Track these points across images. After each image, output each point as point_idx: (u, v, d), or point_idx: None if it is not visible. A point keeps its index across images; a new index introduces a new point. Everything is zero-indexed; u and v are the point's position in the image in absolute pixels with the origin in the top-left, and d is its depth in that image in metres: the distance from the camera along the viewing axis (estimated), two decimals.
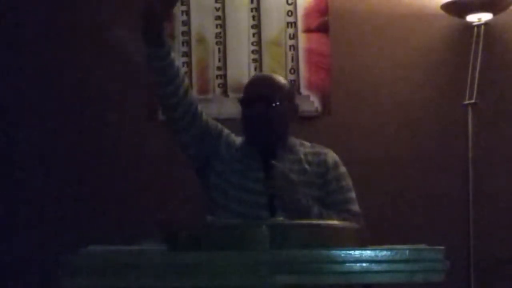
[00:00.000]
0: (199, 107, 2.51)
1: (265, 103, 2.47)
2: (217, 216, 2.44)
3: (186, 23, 3.58)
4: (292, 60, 3.54)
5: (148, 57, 2.37)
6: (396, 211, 3.42)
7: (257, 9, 3.58)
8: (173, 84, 2.39)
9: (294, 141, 2.59)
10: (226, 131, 2.58)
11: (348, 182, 2.55)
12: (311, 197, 2.44)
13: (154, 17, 2.26)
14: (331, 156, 2.57)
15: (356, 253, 1.60)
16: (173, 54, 2.39)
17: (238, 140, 2.58)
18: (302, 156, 2.54)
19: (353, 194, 2.54)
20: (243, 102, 2.53)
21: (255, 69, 3.54)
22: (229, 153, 2.53)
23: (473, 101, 3.32)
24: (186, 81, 2.48)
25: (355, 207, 2.52)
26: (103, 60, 3.57)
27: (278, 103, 2.48)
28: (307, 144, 2.61)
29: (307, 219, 2.33)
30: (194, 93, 3.53)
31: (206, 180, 2.55)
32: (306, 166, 2.51)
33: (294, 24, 3.56)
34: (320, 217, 2.38)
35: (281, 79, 2.60)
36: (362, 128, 3.50)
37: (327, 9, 3.55)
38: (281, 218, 1.88)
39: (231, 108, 3.43)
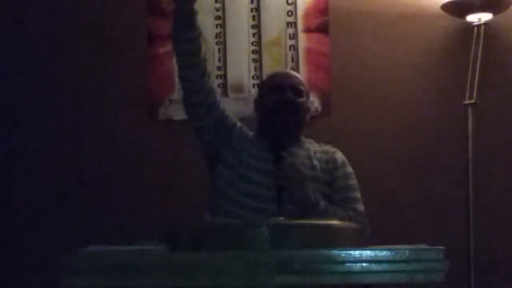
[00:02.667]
0: (218, 96, 2.58)
1: (293, 92, 2.56)
2: (223, 209, 2.45)
3: None
4: (292, 60, 3.54)
5: (177, 39, 2.44)
6: (396, 211, 3.42)
7: (257, 9, 3.58)
8: (200, 68, 2.46)
9: (304, 139, 2.64)
10: (239, 124, 2.63)
11: (354, 182, 2.59)
12: (319, 192, 2.46)
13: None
14: (340, 155, 2.62)
15: (356, 253, 1.60)
16: (201, 39, 2.45)
17: (250, 134, 2.62)
18: (312, 153, 2.58)
19: (358, 194, 2.57)
20: (273, 88, 2.59)
21: (255, 69, 3.54)
22: (240, 145, 2.56)
23: (473, 101, 3.32)
24: (209, 68, 2.53)
25: (360, 207, 2.54)
26: (103, 60, 3.57)
27: (303, 96, 2.59)
28: (315, 143, 2.65)
29: (314, 213, 2.35)
30: None
31: (215, 170, 2.56)
32: (315, 162, 2.55)
33: (294, 24, 3.56)
34: (326, 211, 2.40)
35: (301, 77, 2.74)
36: (362, 128, 3.50)
37: (327, 9, 3.55)
38: (281, 218, 1.87)
39: (231, 108, 3.42)
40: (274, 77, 2.69)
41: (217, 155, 2.56)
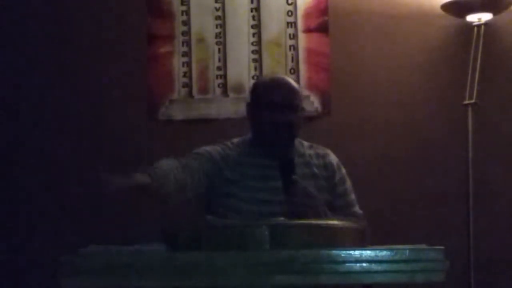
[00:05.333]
0: (199, 175, 2.40)
1: (287, 111, 2.42)
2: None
3: (186, 23, 3.58)
4: (292, 60, 3.54)
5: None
6: (396, 211, 3.42)
7: (257, 9, 3.58)
8: (179, 197, 2.35)
9: (296, 141, 2.54)
10: (214, 154, 2.46)
11: (349, 183, 2.54)
12: (323, 203, 2.38)
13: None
14: (333, 157, 2.55)
15: (356, 253, 1.61)
16: (177, 183, 2.31)
17: (233, 145, 2.51)
18: (308, 158, 2.50)
19: (354, 196, 2.54)
20: (268, 106, 2.44)
21: (255, 69, 3.54)
22: (235, 161, 2.46)
23: (473, 101, 3.32)
24: (188, 180, 2.36)
25: (358, 209, 2.52)
26: (103, 59, 3.57)
27: (298, 110, 2.45)
28: (306, 143, 2.56)
29: None
30: (194, 93, 3.54)
31: (214, 192, 2.46)
32: (315, 170, 2.48)
33: (294, 24, 3.56)
34: None
35: (294, 83, 2.53)
36: (362, 128, 3.50)
37: (327, 9, 3.55)
38: (281, 218, 1.87)
39: (231, 108, 3.43)
40: (268, 91, 2.48)
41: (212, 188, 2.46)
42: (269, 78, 2.75)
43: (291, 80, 2.54)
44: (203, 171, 2.41)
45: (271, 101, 2.44)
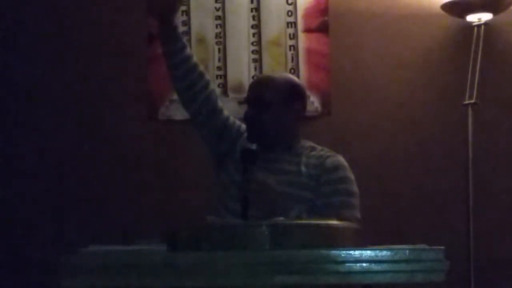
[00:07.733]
0: (220, 104, 2.56)
1: (257, 106, 2.46)
2: (218, 215, 2.42)
3: (186, 23, 3.58)
4: (292, 60, 3.54)
5: (162, 52, 2.51)
6: (396, 211, 3.42)
7: (257, 9, 3.58)
8: (187, 79, 2.49)
9: (301, 143, 2.53)
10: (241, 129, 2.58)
11: (347, 186, 2.44)
12: (301, 199, 2.36)
13: (160, 11, 2.43)
14: (333, 159, 2.47)
15: (356, 253, 1.60)
16: (188, 51, 2.50)
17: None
18: (304, 158, 2.47)
19: (350, 199, 2.42)
20: (246, 103, 2.55)
21: (255, 69, 3.54)
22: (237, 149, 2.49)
23: (473, 101, 3.32)
24: (206, 77, 2.54)
25: (349, 213, 2.38)
26: (103, 60, 3.57)
27: (270, 106, 2.45)
28: (318, 147, 2.53)
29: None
30: None
31: (217, 171, 2.55)
32: (303, 168, 2.44)
33: (294, 24, 3.56)
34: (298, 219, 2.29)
35: (281, 80, 2.53)
36: (362, 128, 3.50)
37: (327, 9, 3.55)
38: (281, 218, 1.87)
39: (231, 108, 3.42)
40: (248, 89, 2.63)
41: (221, 160, 2.54)
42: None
43: (272, 77, 2.59)
44: (220, 110, 2.56)
45: (245, 98, 2.58)
